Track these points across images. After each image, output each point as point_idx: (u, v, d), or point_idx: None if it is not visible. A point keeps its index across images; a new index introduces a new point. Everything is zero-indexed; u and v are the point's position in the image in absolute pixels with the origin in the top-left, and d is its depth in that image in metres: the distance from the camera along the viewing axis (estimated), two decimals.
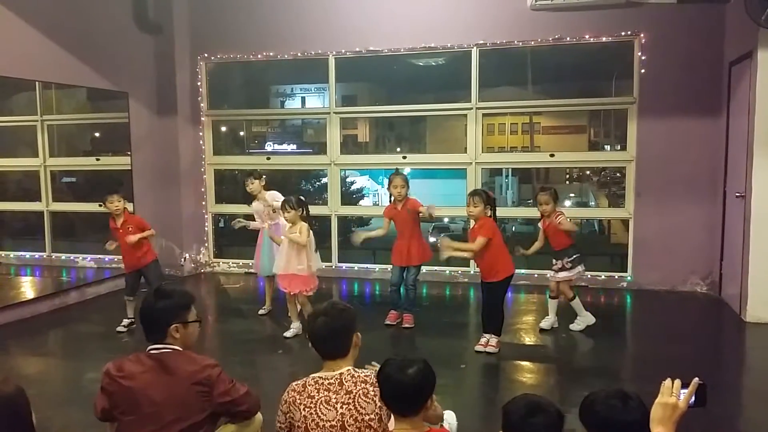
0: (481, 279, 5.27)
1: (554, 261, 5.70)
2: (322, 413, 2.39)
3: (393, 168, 7.70)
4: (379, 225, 6.22)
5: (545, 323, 5.84)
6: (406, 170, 7.43)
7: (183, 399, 2.49)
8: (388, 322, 5.98)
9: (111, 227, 5.89)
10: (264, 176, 6.44)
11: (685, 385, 1.86)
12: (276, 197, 6.16)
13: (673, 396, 1.84)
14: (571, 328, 5.74)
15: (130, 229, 5.82)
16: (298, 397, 2.44)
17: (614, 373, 5.04)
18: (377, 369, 2.34)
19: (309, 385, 2.45)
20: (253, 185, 6.27)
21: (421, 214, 5.83)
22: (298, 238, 5.44)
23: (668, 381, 1.88)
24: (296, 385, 2.49)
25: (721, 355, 5.51)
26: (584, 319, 5.76)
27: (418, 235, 5.94)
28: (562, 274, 5.64)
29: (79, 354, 5.50)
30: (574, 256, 5.62)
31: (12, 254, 7.50)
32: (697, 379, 1.87)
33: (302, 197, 5.72)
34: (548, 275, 5.85)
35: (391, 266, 6.13)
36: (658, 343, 5.57)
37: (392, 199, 5.96)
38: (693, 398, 1.86)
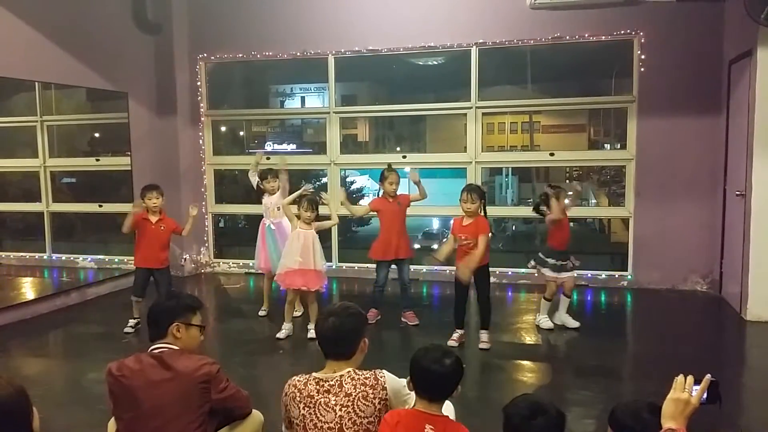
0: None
1: (555, 261, 5.62)
2: (320, 414, 2.39)
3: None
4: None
5: (547, 323, 5.82)
6: (406, 169, 7.44)
7: (184, 396, 2.54)
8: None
9: (140, 217, 5.80)
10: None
11: (697, 382, 1.87)
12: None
13: (686, 392, 1.85)
14: (569, 327, 5.73)
15: (163, 228, 5.88)
16: (298, 394, 2.45)
17: (615, 372, 5.04)
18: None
19: (310, 384, 2.45)
20: (275, 183, 6.37)
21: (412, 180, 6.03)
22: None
23: (681, 377, 1.88)
24: (297, 381, 2.49)
25: (721, 353, 5.51)
26: (564, 318, 5.76)
27: (405, 230, 6.04)
28: (567, 274, 5.64)
29: (80, 355, 5.50)
30: (572, 256, 5.65)
31: (12, 255, 7.51)
32: (709, 375, 1.87)
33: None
34: (547, 274, 5.71)
35: (375, 265, 6.13)
36: (659, 342, 5.56)
37: (381, 193, 6.02)
38: (705, 395, 1.86)
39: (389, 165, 6.16)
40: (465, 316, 5.40)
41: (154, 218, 5.87)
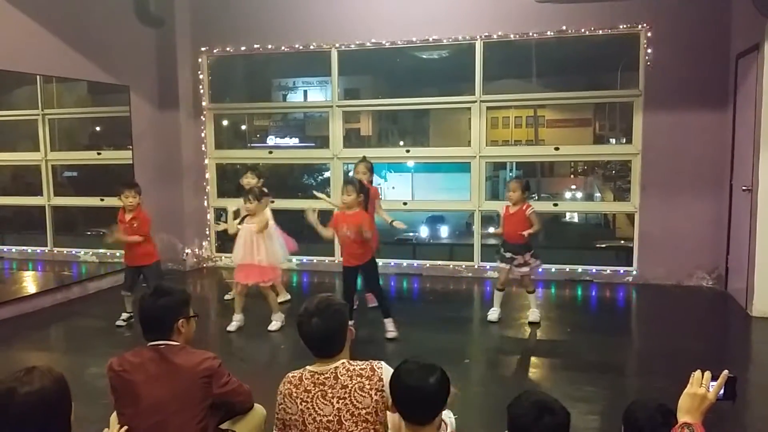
0: (354, 264, 5.26)
1: (510, 255, 5.64)
2: (318, 408, 2.37)
3: (396, 162, 7.63)
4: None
5: (493, 315, 5.83)
6: (410, 163, 7.43)
7: (185, 391, 2.54)
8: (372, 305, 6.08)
9: (119, 219, 5.87)
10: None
11: (714, 378, 1.86)
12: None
13: (703, 387, 1.84)
14: (530, 321, 5.75)
15: (135, 225, 5.82)
16: (294, 390, 2.42)
17: (619, 368, 5.01)
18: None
19: (305, 378, 2.43)
20: (254, 180, 6.34)
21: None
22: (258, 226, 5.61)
23: (698, 372, 1.87)
24: (292, 377, 2.47)
25: (726, 349, 5.48)
26: (537, 312, 5.79)
27: None
28: (524, 269, 5.64)
29: (82, 349, 5.48)
30: (532, 251, 5.64)
31: (14, 249, 7.50)
32: (726, 371, 1.86)
33: (265, 189, 5.97)
34: (501, 266, 5.76)
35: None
36: (664, 338, 5.53)
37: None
38: (722, 391, 1.85)
39: (364, 157, 6.27)
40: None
41: (128, 216, 5.82)
